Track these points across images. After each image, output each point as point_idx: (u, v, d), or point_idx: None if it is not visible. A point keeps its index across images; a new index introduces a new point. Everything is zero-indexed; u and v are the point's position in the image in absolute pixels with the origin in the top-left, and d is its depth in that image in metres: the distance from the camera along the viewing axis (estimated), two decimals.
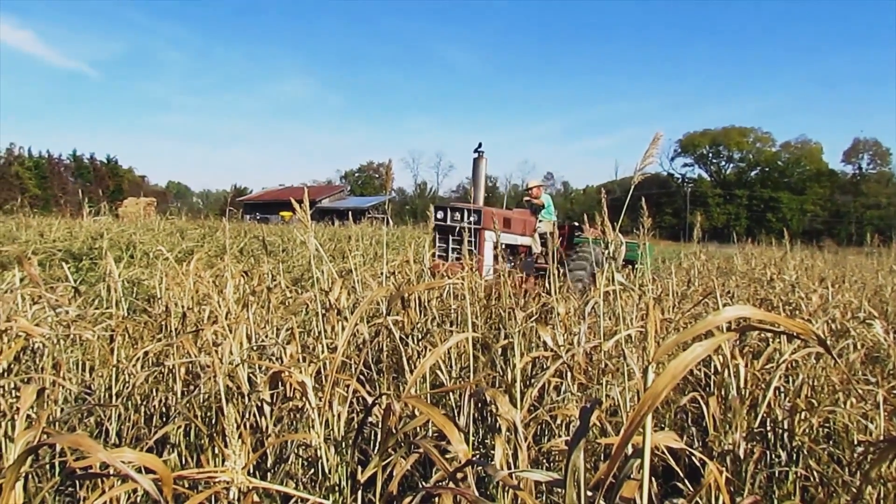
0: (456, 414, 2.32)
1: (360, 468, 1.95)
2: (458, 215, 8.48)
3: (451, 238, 8.46)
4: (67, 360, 2.91)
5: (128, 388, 2.76)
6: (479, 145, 9.15)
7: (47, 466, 2.31)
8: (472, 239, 8.10)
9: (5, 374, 2.37)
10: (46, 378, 2.41)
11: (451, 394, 2.57)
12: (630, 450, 1.27)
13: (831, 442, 2.73)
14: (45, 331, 2.41)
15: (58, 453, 2.31)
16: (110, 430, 2.62)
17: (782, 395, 2.73)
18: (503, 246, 8.57)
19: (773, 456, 2.56)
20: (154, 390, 2.81)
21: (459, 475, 1.65)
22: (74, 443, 1.30)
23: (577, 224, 11.11)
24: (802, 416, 2.58)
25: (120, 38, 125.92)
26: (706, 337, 0.98)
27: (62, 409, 2.55)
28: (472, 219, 8.28)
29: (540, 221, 10.55)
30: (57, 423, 2.43)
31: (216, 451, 2.34)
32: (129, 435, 2.63)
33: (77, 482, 2.07)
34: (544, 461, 2.48)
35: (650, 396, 0.85)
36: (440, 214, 8.54)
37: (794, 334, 0.90)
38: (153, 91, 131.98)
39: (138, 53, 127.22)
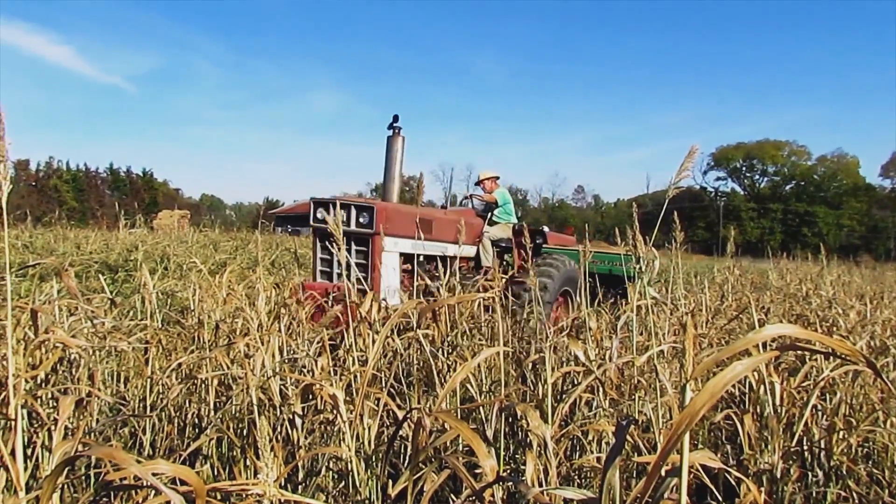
0: (486, 429, 2.30)
1: (390, 482, 1.95)
2: (343, 214, 5.90)
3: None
4: (103, 371, 2.95)
5: (162, 399, 2.79)
6: (395, 119, 6.87)
7: (82, 477, 2.34)
8: (364, 249, 6.05)
9: (43, 385, 2.41)
10: (83, 389, 2.44)
11: (481, 408, 2.56)
12: (664, 468, 1.25)
13: (871, 462, 2.67)
14: (82, 342, 2.44)
15: (93, 464, 2.34)
16: (144, 442, 2.64)
17: (819, 413, 2.68)
18: (420, 258, 6.66)
19: (811, 476, 2.51)
20: (187, 402, 2.84)
21: (487, 492, 1.63)
22: (109, 455, 1.31)
23: (539, 229, 8.66)
24: (840, 436, 2.52)
25: (156, 54, 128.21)
26: (745, 355, 0.97)
27: (98, 420, 2.58)
28: (361, 219, 5.94)
29: (492, 224, 8.24)
30: (92, 434, 2.46)
31: (248, 463, 2.35)
32: (162, 446, 2.65)
33: (112, 493, 2.09)
34: (576, 477, 2.46)
35: (688, 415, 0.83)
36: (321, 214, 6.16)
37: (838, 354, 0.88)
38: (188, 105, 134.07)
39: (174, 68, 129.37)
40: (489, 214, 8.35)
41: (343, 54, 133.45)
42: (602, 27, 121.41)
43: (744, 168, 78.40)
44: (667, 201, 1.96)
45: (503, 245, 8.00)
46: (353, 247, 6.02)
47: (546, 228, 9.06)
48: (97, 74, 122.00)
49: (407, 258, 6.58)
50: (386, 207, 6.07)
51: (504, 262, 8.14)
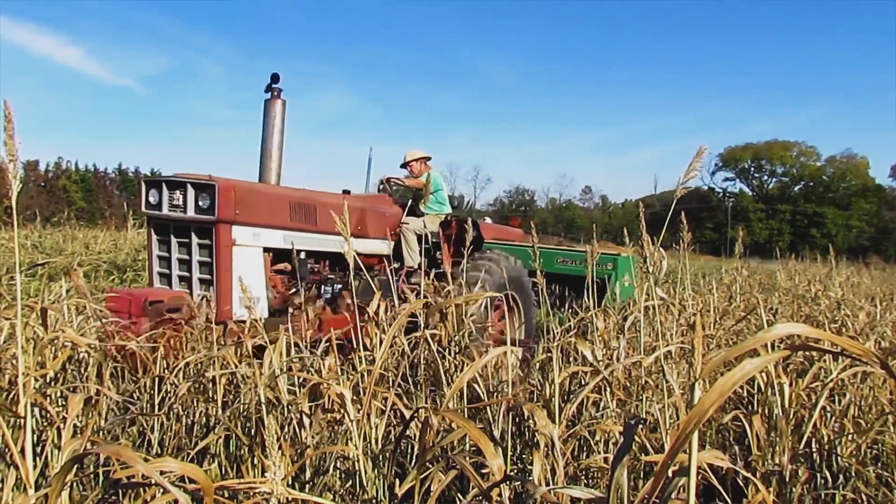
0: (493, 428, 2.30)
1: (397, 482, 1.95)
2: (178, 196, 4.52)
3: (175, 241, 4.63)
4: (111, 369, 2.96)
5: (170, 398, 2.80)
6: (275, 78, 5.52)
7: (91, 475, 2.35)
8: (208, 242, 4.48)
9: (52, 384, 2.42)
10: (91, 387, 2.45)
11: (488, 408, 2.56)
12: (672, 468, 1.25)
13: (880, 464, 2.66)
14: (91, 341, 2.46)
15: (101, 462, 2.35)
16: (153, 440, 2.65)
17: (828, 414, 2.67)
18: (301, 255, 5.14)
19: (820, 478, 2.50)
20: (195, 401, 2.84)
21: (495, 491, 1.63)
22: (116, 453, 1.32)
23: (473, 220, 6.37)
24: (849, 438, 2.51)
25: (166, 55, 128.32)
26: (754, 355, 0.96)
27: (106, 419, 2.59)
28: (201, 202, 4.43)
29: (419, 215, 6.60)
30: (101, 432, 2.48)
31: (256, 461, 2.36)
32: (170, 444, 2.66)
33: (120, 491, 2.10)
34: (583, 478, 2.45)
35: (696, 414, 0.83)
36: (153, 197, 4.61)
37: (850, 354, 0.88)
38: (196, 105, 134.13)
39: (183, 69, 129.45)
40: (413, 203, 6.88)
41: (350, 54, 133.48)
42: (610, 27, 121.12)
43: (752, 169, 78.02)
44: (675, 202, 1.96)
45: (434, 240, 6.45)
46: (196, 240, 4.52)
47: (488, 220, 7.81)
48: (107, 76, 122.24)
49: (281, 256, 5.14)
50: (235, 186, 4.51)
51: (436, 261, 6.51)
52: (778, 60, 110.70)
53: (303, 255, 5.18)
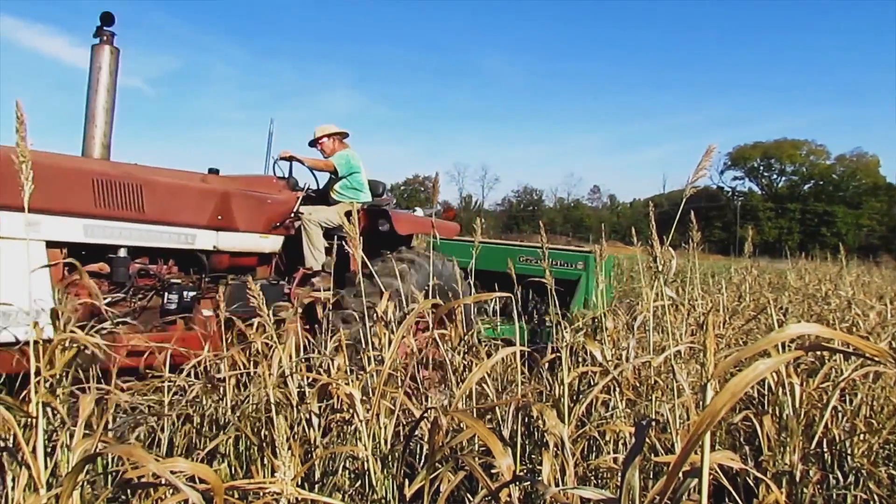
0: (502, 429, 2.30)
1: (406, 482, 1.95)
2: None
3: None
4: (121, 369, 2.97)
5: (179, 398, 2.81)
6: (106, 19, 4.17)
7: (102, 475, 2.36)
8: None
9: (63, 384, 2.43)
10: (101, 387, 2.46)
11: (497, 408, 2.55)
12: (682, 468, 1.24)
13: (892, 464, 2.64)
14: (100, 341, 2.46)
15: (112, 462, 2.36)
16: (163, 440, 2.66)
17: (840, 414, 2.65)
18: (121, 253, 3.87)
19: (831, 478, 2.48)
20: (205, 401, 2.85)
21: (504, 492, 1.63)
22: (127, 453, 1.32)
23: (382, 209, 5.38)
24: (861, 438, 2.50)
25: (175, 56, 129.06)
26: (765, 355, 0.96)
27: (116, 419, 2.60)
28: None
29: (331, 203, 5.57)
30: (115, 431, 2.48)
31: (265, 461, 2.36)
32: (180, 444, 2.67)
33: (130, 491, 2.11)
34: (592, 478, 2.45)
35: (709, 414, 0.82)
36: None
37: (863, 354, 0.87)
38: (205, 106, 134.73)
39: (191, 70, 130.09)
40: (323, 189, 5.84)
41: (357, 54, 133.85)
42: (617, 26, 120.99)
43: (761, 167, 77.75)
44: (684, 201, 1.96)
45: (343, 235, 5.03)
46: None
47: (419, 211, 6.53)
48: (118, 78, 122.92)
49: (97, 254, 3.82)
50: None
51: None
52: (787, 59, 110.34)
53: (123, 253, 3.89)
